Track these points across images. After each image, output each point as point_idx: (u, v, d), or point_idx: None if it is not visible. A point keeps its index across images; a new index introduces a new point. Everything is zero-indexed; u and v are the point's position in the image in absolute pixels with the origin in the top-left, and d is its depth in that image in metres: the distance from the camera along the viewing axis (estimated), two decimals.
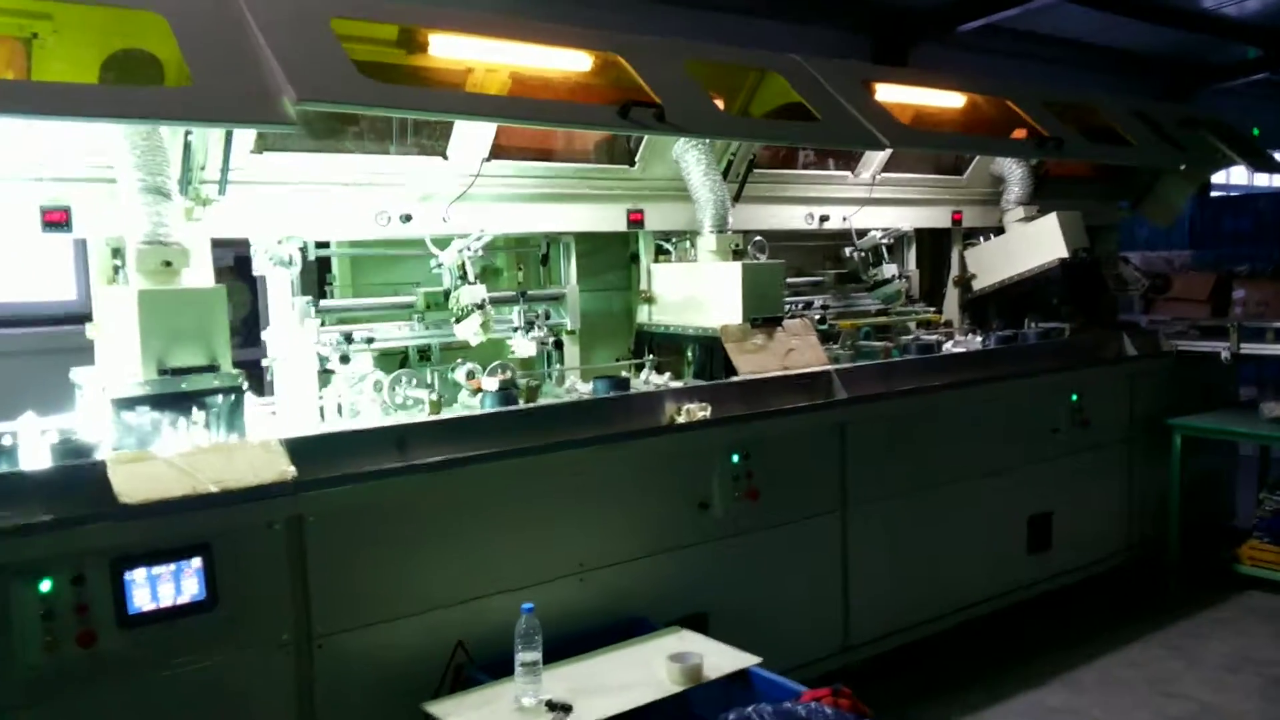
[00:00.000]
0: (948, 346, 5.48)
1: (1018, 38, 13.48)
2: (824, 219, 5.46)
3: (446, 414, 3.71)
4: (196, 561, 2.92)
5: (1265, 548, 5.77)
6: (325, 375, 3.93)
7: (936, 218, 6.06)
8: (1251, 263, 10.02)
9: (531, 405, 3.74)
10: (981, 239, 6.19)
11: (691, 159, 4.58)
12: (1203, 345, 5.97)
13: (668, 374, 4.54)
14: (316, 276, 4.57)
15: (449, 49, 3.72)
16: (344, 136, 4.02)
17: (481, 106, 3.40)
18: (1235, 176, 18.13)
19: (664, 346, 4.82)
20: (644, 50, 3.90)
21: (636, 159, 4.63)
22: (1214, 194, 16.42)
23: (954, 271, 6.24)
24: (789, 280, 5.51)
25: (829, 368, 4.51)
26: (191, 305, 3.14)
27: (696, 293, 4.63)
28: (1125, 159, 6.13)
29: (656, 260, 4.89)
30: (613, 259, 4.99)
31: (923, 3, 12.01)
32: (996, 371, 5.09)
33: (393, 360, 4.29)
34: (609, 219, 4.67)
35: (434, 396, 3.64)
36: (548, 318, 4.47)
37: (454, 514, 3.43)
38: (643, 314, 4.89)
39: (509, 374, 3.99)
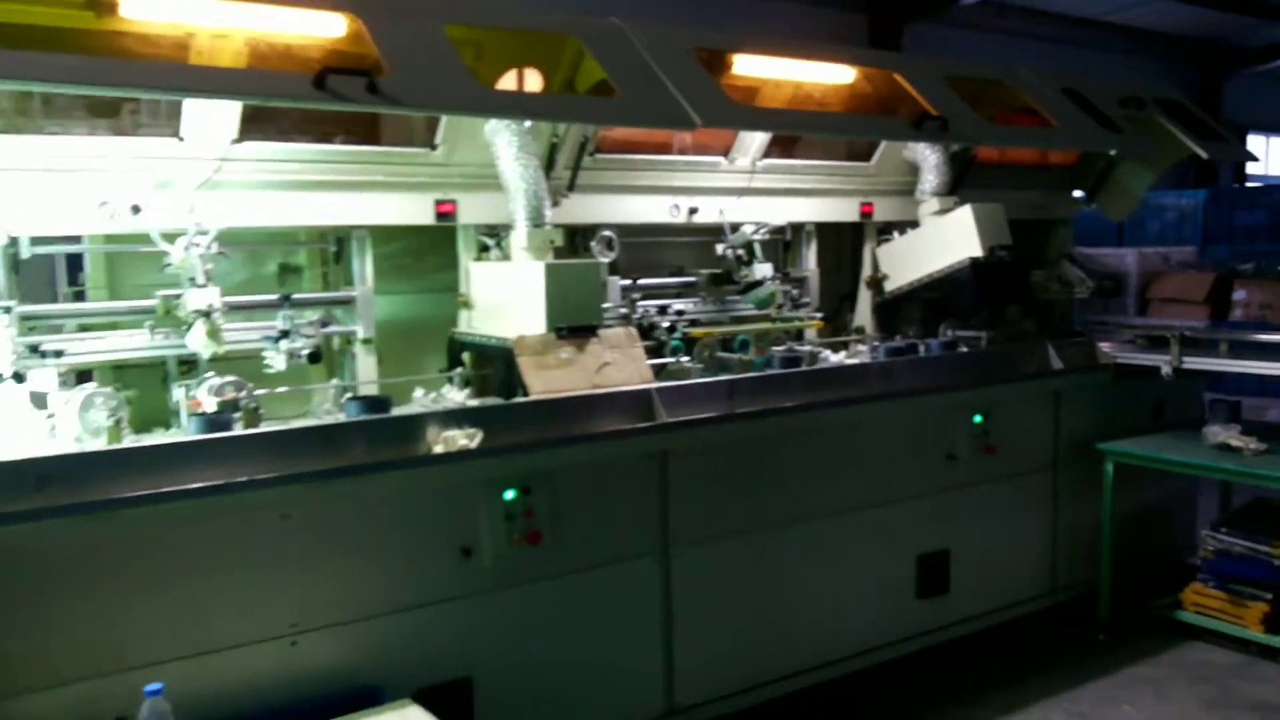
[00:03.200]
0: (834, 358, 4.78)
1: (1026, 15, 12.60)
2: (693, 211, 4.80)
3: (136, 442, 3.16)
4: None
5: (1209, 593, 4.95)
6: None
7: (842, 210, 5.35)
8: (1259, 260, 9.08)
9: (234, 433, 3.16)
10: (896, 234, 5.47)
11: (502, 141, 3.96)
12: (1141, 358, 5.14)
13: (466, 391, 3.94)
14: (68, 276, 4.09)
15: (140, 10, 3.13)
16: (63, 115, 3.49)
17: (116, 76, 2.80)
18: (1274, 166, 17.01)
19: (485, 359, 4.21)
20: (386, 10, 3.28)
21: (438, 141, 4.02)
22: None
23: (866, 271, 5.53)
24: (655, 281, 4.86)
25: (649, 386, 3.85)
26: None
27: (507, 297, 4.01)
28: (1032, 142, 5.34)
29: (478, 258, 4.28)
30: (441, 257, 4.38)
31: None
32: (872, 389, 4.38)
33: (154, 375, 3.77)
34: (413, 210, 4.08)
35: (110, 422, 3.07)
36: (324, 325, 3.88)
37: (113, 567, 2.86)
38: (462, 320, 4.28)
39: (241, 392, 3.40)
